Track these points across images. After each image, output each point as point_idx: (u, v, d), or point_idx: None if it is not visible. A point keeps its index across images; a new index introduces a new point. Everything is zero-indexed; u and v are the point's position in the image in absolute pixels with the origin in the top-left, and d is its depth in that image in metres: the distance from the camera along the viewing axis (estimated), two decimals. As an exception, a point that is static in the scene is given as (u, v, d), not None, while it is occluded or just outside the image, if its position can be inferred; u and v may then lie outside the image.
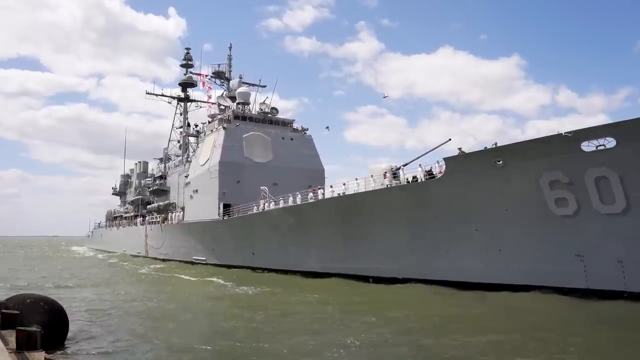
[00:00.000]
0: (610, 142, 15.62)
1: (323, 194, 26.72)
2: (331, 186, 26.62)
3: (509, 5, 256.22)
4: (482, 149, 18.76)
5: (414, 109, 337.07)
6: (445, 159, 19.33)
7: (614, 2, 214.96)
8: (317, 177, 37.35)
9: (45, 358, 6.88)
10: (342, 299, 19.31)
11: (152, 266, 38.89)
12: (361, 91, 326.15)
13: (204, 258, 37.69)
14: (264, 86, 46.83)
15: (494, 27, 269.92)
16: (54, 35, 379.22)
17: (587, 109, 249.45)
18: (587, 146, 16.01)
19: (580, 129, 15.97)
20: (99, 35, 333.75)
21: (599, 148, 15.86)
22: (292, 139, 38.61)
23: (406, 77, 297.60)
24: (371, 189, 22.66)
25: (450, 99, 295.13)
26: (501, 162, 17.73)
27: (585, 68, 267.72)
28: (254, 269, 31.36)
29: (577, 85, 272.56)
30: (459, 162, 18.91)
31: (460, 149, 19.50)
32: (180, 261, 41.20)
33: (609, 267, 16.52)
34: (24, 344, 7.08)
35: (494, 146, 18.34)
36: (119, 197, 72.19)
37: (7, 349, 7.05)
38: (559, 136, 16.18)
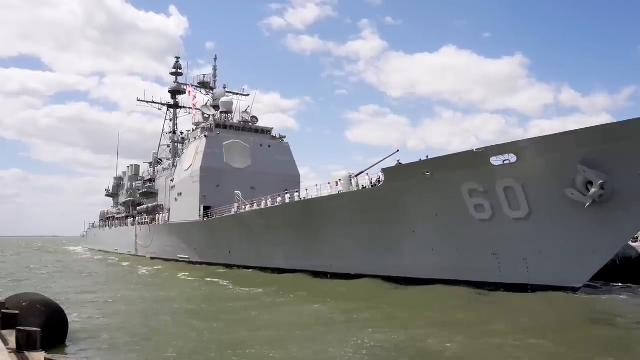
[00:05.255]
0: (513, 158, 18.46)
1: (291, 197, 29.48)
2: (296, 191, 29.44)
3: (513, 3, 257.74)
4: (417, 160, 21.61)
5: (417, 108, 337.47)
6: (383, 170, 22.18)
7: (617, 0, 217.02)
8: (292, 181, 40.09)
9: (45, 358, 6.78)
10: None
11: (148, 267, 39.50)
12: (363, 90, 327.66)
13: (187, 256, 40.55)
14: (247, 95, 49.76)
15: (497, 25, 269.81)
16: (55, 33, 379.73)
17: (591, 109, 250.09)
18: (495, 161, 18.83)
19: (488, 146, 18.81)
20: (100, 34, 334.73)
21: (505, 162, 18.68)
22: (269, 146, 41.43)
23: (409, 76, 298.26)
24: (325, 195, 25.48)
25: (453, 98, 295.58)
26: (429, 173, 20.52)
27: (588, 67, 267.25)
28: (230, 266, 34.22)
29: (580, 84, 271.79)
30: (395, 173, 21.73)
31: (398, 160, 22.37)
32: (166, 259, 44.03)
33: (517, 264, 19.38)
34: (24, 344, 7.00)
35: (425, 159, 21.20)
36: (112, 199, 74.90)
37: (7, 348, 7.02)
38: (472, 152, 19.00)
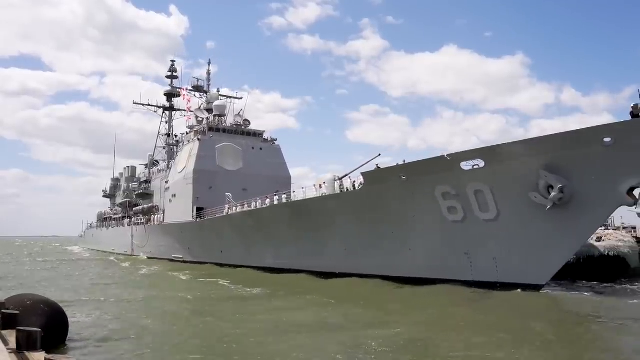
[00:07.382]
0: (481, 163, 19.59)
1: (279, 199, 30.58)
2: (284, 193, 30.56)
3: (514, 3, 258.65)
4: (394, 165, 22.72)
5: (417, 108, 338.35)
6: (362, 174, 23.30)
7: (617, 0, 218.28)
8: (284, 183, 41.25)
9: (45, 358, 6.77)
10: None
11: (145, 267, 39.55)
12: (364, 90, 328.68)
13: (181, 256, 41.71)
14: (240, 98, 50.88)
15: (498, 24, 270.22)
16: (56, 33, 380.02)
17: (592, 108, 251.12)
18: (465, 165, 19.96)
19: (458, 152, 19.96)
20: (101, 33, 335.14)
21: (474, 167, 19.82)
22: (261, 149, 42.61)
23: (409, 76, 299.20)
24: (311, 197, 26.62)
25: (454, 97, 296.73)
26: (405, 177, 21.64)
27: (590, 67, 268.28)
28: (222, 265, 35.35)
29: (581, 84, 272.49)
30: (373, 176, 22.86)
31: (377, 165, 23.48)
32: (161, 259, 45.19)
33: (487, 263, 20.49)
34: (24, 344, 6.99)
35: (402, 163, 22.32)
36: (109, 200, 75.97)
37: (7, 349, 7.03)
38: (443, 158, 20.11)
